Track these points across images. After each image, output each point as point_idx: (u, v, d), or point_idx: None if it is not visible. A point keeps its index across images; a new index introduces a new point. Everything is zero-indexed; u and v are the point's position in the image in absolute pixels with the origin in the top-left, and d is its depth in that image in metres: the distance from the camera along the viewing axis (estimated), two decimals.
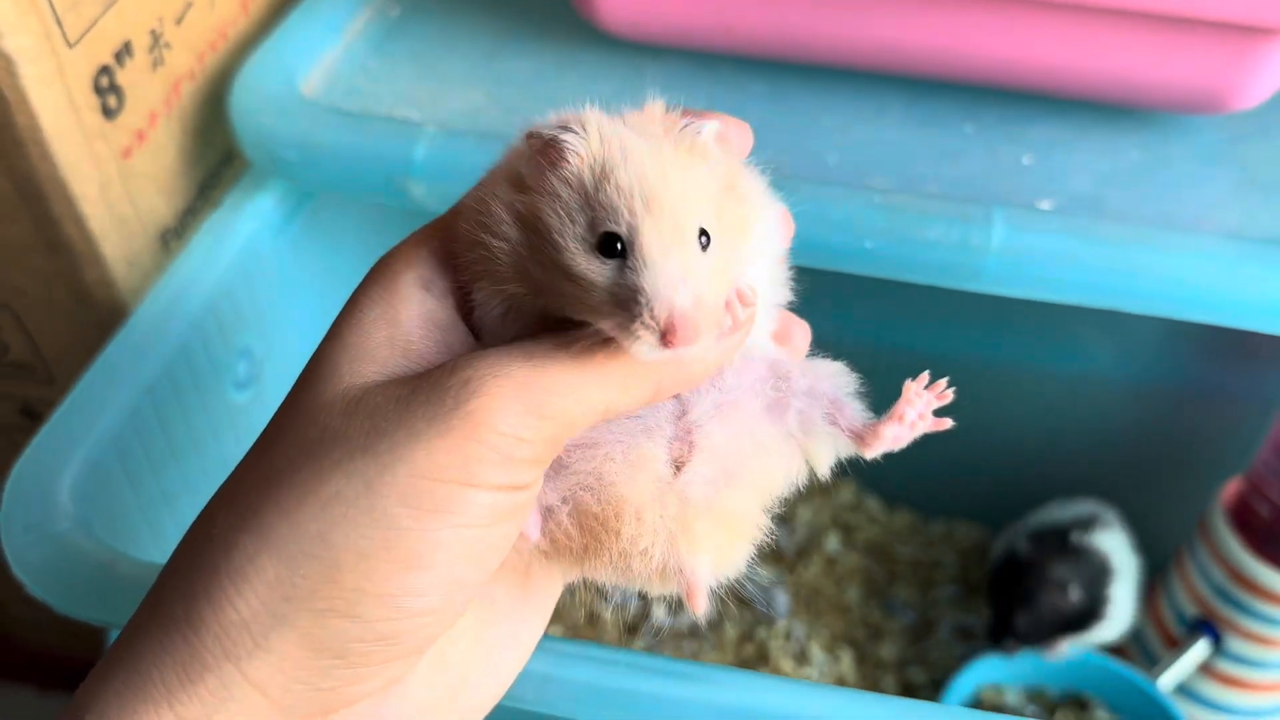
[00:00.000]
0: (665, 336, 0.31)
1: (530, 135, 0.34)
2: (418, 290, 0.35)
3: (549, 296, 0.33)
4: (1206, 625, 0.76)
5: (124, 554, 0.46)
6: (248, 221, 0.61)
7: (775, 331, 0.39)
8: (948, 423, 0.38)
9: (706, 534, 0.36)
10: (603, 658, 0.43)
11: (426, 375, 0.32)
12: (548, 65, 0.66)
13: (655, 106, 0.36)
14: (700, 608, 0.37)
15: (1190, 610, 0.77)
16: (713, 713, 0.42)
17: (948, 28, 0.60)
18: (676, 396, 0.36)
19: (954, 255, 0.54)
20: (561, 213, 0.32)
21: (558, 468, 0.36)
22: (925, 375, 0.38)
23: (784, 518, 0.92)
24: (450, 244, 0.36)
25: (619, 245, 0.32)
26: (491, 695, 0.38)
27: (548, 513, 0.36)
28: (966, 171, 0.60)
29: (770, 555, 0.90)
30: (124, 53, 0.58)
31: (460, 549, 0.32)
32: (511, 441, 0.31)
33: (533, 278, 0.33)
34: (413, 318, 0.34)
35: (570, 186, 0.33)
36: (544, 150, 0.33)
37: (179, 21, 0.62)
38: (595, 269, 0.32)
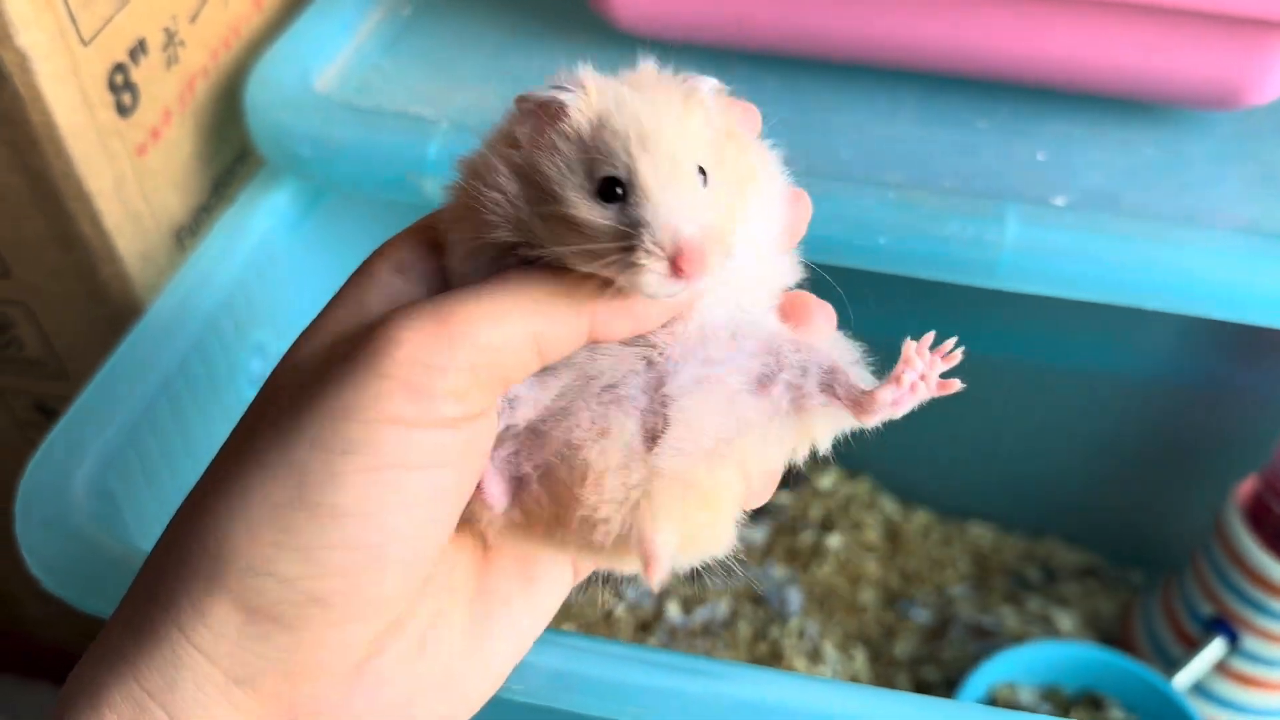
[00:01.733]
0: (675, 264, 0.30)
1: (520, 99, 0.34)
2: (391, 275, 0.34)
3: (552, 250, 0.32)
4: (1222, 624, 0.76)
5: (140, 549, 0.46)
6: (262, 218, 0.62)
7: (788, 310, 0.38)
8: (955, 385, 0.36)
9: (673, 507, 0.34)
10: (619, 654, 0.43)
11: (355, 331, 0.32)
12: (560, 62, 0.65)
13: (647, 67, 0.36)
14: (655, 579, 0.34)
15: (1206, 609, 0.77)
16: (732, 709, 0.42)
17: (962, 23, 0.60)
18: (654, 366, 0.35)
19: (968, 251, 0.54)
20: (560, 164, 0.32)
21: (535, 436, 0.35)
22: (930, 335, 0.36)
23: (797, 515, 0.92)
24: (436, 228, 0.35)
25: (619, 189, 0.31)
26: (485, 686, 0.37)
27: (521, 483, 0.35)
28: (980, 167, 0.60)
29: (784, 554, 0.90)
30: (138, 50, 0.58)
31: (373, 494, 0.30)
32: (419, 370, 0.30)
33: (533, 233, 0.33)
34: (380, 300, 0.34)
35: (568, 139, 0.32)
36: (541, 108, 0.33)
37: (193, 19, 0.62)
38: (597, 214, 0.31)
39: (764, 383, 0.36)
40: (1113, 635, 0.86)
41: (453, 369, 0.31)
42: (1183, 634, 0.79)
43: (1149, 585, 0.86)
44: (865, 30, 0.62)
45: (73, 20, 0.53)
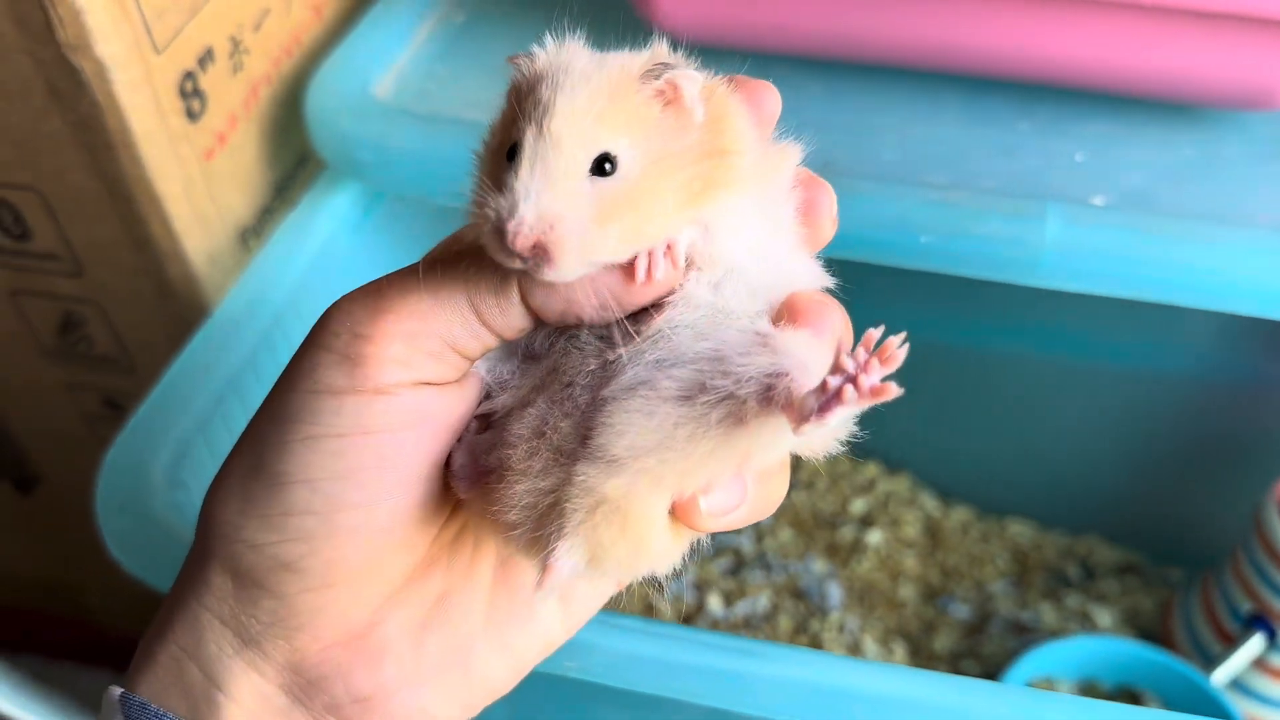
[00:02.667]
0: (503, 239, 0.30)
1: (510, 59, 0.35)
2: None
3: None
4: (1261, 621, 0.76)
5: None
6: (324, 220, 0.64)
7: (786, 312, 0.34)
8: (892, 391, 0.29)
9: (579, 518, 0.32)
10: (672, 635, 0.44)
11: None
12: None
13: (659, 48, 0.35)
14: (542, 587, 0.33)
15: (1245, 605, 0.77)
16: (780, 688, 0.43)
17: (1002, 26, 0.61)
18: (607, 366, 0.33)
19: (1008, 250, 0.55)
20: (496, 126, 0.34)
21: (501, 427, 0.34)
22: (872, 333, 0.31)
23: (838, 511, 0.93)
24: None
25: (515, 153, 0.31)
26: (506, 674, 0.38)
27: (485, 472, 0.34)
28: (1021, 168, 0.61)
29: (824, 548, 0.91)
30: (206, 58, 0.60)
31: (320, 460, 0.32)
32: (348, 339, 0.32)
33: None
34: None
35: (508, 101, 0.33)
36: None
37: (257, 28, 0.64)
38: (493, 171, 0.32)
39: (695, 390, 0.33)
40: (1152, 632, 0.86)
41: (384, 336, 0.32)
42: (1221, 630, 0.79)
43: (1188, 582, 0.86)
44: (907, 34, 0.63)
45: (148, 30, 0.55)
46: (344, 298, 0.33)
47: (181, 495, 0.51)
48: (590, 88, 0.32)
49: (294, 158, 0.70)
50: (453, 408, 0.34)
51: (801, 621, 0.86)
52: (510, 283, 0.32)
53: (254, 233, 0.67)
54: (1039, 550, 0.92)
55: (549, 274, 0.30)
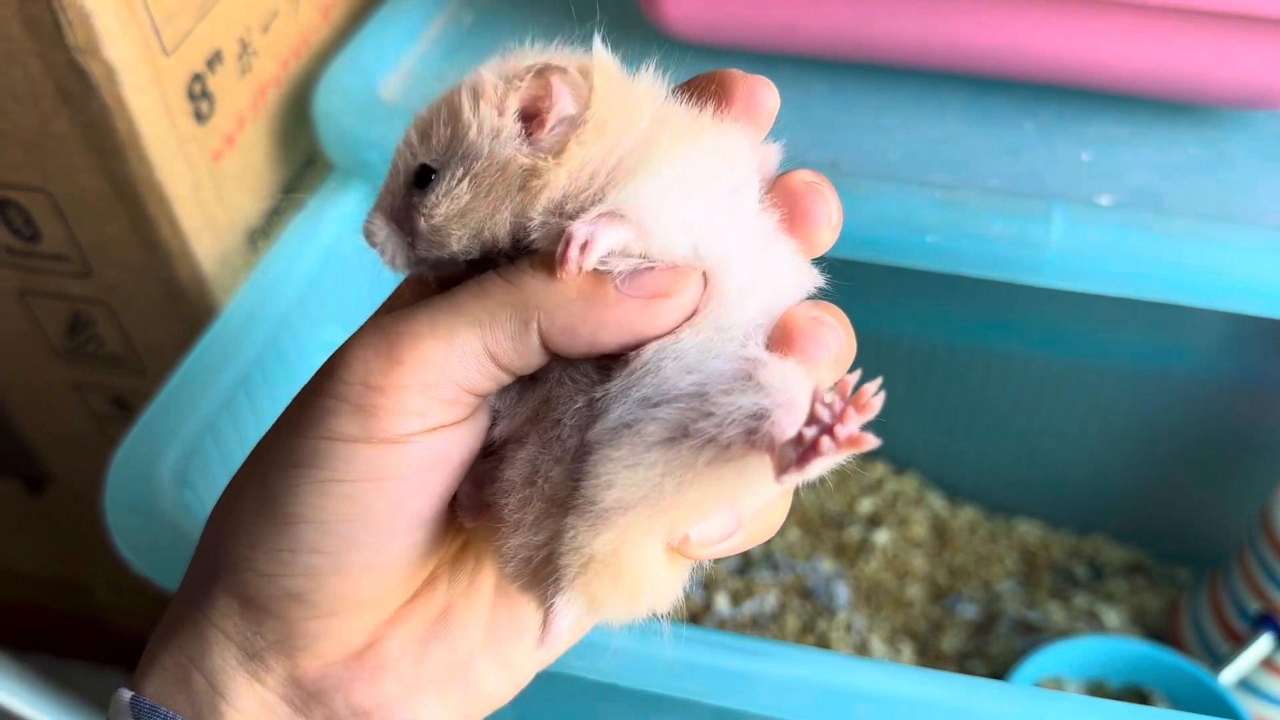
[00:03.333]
0: None
1: None
2: (416, 283, 0.37)
3: None
4: (1269, 620, 0.76)
5: None
6: (331, 221, 0.64)
7: (778, 337, 0.33)
8: (869, 442, 0.28)
9: (574, 571, 0.32)
10: (682, 635, 0.44)
11: None
12: None
13: (598, 50, 0.35)
14: (546, 640, 0.34)
15: (1253, 605, 0.77)
16: (788, 688, 0.43)
17: (1007, 27, 0.61)
18: (592, 403, 0.32)
19: (1014, 250, 0.55)
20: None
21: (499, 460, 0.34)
22: (848, 380, 0.30)
23: (845, 511, 0.94)
24: None
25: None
26: (506, 686, 0.38)
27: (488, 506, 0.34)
28: (1026, 168, 0.61)
29: (832, 548, 0.91)
30: (215, 60, 0.61)
31: (332, 504, 0.32)
32: (360, 390, 0.31)
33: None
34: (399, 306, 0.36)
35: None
36: None
37: (265, 30, 0.65)
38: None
39: (679, 434, 0.31)
40: (1159, 632, 0.86)
41: (398, 389, 0.31)
42: (1229, 630, 0.79)
43: (1196, 582, 0.86)
44: (912, 34, 0.63)
45: (156, 33, 0.56)
46: (353, 343, 0.33)
47: (190, 494, 0.51)
48: (433, 106, 0.35)
49: (302, 159, 0.71)
50: (465, 443, 0.34)
51: (809, 621, 0.86)
52: (531, 327, 0.32)
53: (262, 233, 0.68)
54: (1046, 550, 0.92)
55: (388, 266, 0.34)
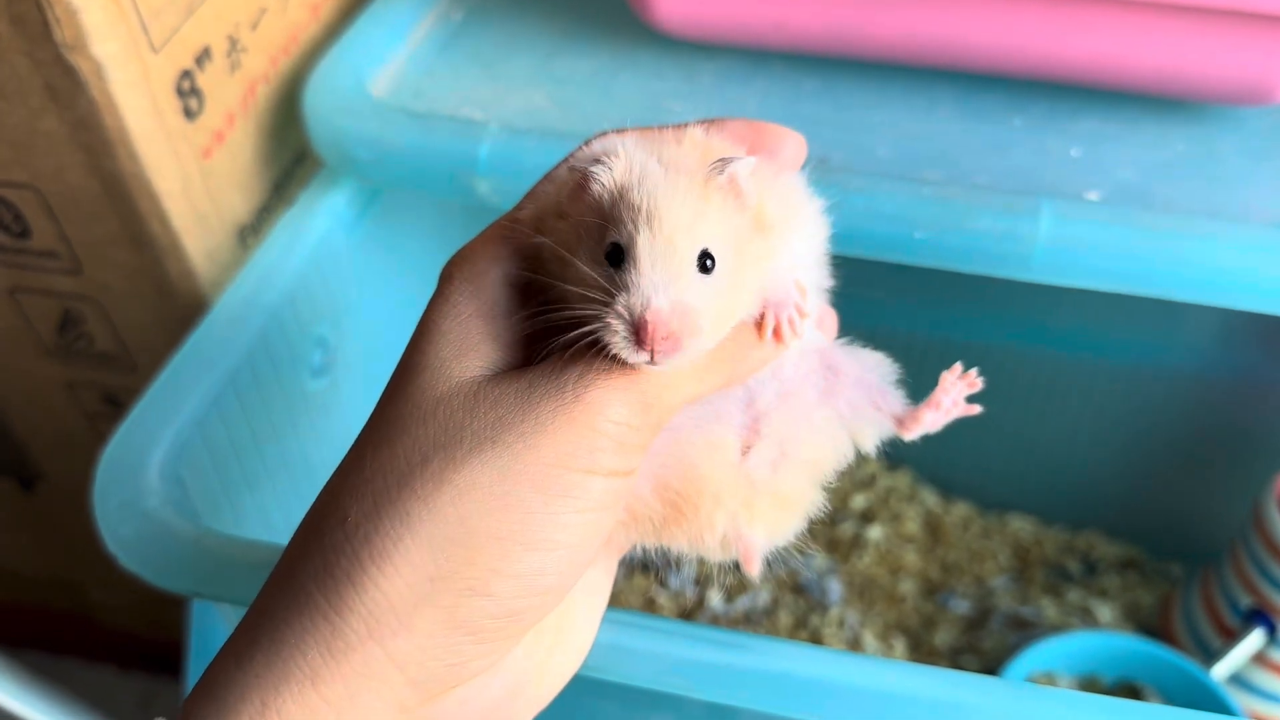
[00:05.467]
0: (638, 334, 0.33)
1: (571, 168, 0.37)
2: (504, 288, 0.37)
3: (573, 312, 0.35)
4: (1261, 615, 0.76)
5: (211, 529, 0.49)
6: (321, 218, 0.64)
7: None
8: (976, 408, 0.43)
9: (765, 510, 0.41)
10: (669, 629, 0.45)
11: (538, 370, 0.35)
12: (605, 65, 0.68)
13: (694, 133, 0.38)
14: (755, 571, 0.42)
15: (1245, 600, 0.77)
16: (776, 682, 0.43)
17: (997, 23, 0.61)
18: (745, 385, 0.40)
19: (1003, 246, 0.55)
20: (583, 233, 0.35)
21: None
22: (959, 365, 0.43)
23: (838, 506, 0.94)
24: (520, 243, 0.38)
25: (622, 254, 0.34)
26: (575, 658, 0.41)
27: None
28: (1015, 164, 0.61)
29: (824, 544, 0.91)
30: (204, 57, 0.61)
31: (580, 531, 0.34)
32: (624, 430, 0.34)
33: (565, 298, 0.35)
34: (504, 314, 0.37)
35: (593, 210, 0.35)
36: (578, 181, 0.36)
37: (254, 27, 0.65)
38: (598, 273, 0.34)
39: (828, 393, 0.42)
40: (1152, 627, 0.86)
41: (645, 428, 0.35)
42: (1222, 625, 0.79)
43: (1188, 577, 0.86)
44: (902, 31, 0.63)
45: (144, 30, 0.55)
46: (608, 378, 0.35)
47: (178, 491, 0.51)
48: (686, 193, 0.35)
49: (291, 156, 0.71)
50: None
51: (802, 617, 0.87)
52: (724, 373, 0.37)
53: (252, 230, 0.68)
54: (1039, 545, 0.92)
55: (672, 362, 0.34)
